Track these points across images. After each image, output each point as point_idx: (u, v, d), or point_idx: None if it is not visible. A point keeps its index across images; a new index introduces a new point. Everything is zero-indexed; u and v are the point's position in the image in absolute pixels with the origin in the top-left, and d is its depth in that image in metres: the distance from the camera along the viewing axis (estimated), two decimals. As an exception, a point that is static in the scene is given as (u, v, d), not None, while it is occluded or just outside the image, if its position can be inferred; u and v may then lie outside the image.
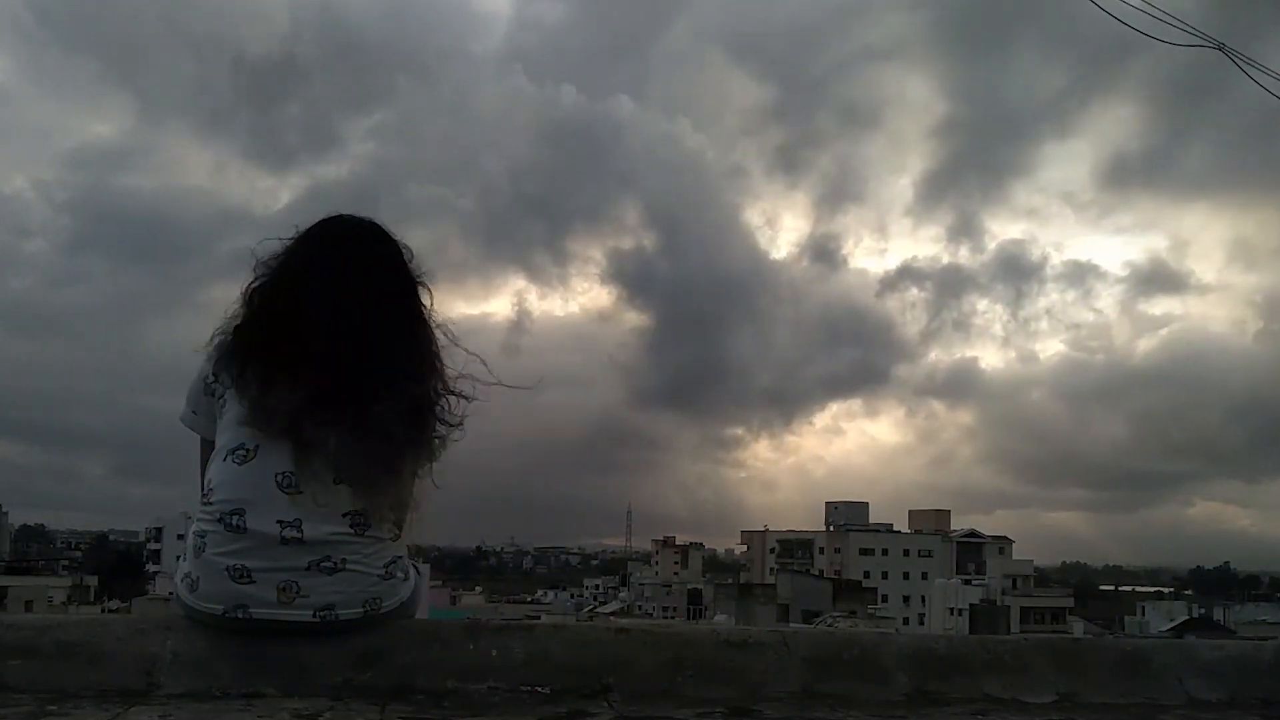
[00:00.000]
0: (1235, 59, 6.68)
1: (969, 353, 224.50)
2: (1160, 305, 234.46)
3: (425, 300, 2.39)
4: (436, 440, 2.34)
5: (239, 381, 2.24)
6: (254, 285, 2.31)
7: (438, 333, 2.37)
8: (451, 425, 2.34)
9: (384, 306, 2.31)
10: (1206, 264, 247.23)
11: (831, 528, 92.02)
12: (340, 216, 2.40)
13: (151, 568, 75.90)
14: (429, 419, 2.31)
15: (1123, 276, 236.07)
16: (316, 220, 2.39)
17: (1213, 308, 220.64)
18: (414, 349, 2.33)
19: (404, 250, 2.40)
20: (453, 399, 2.35)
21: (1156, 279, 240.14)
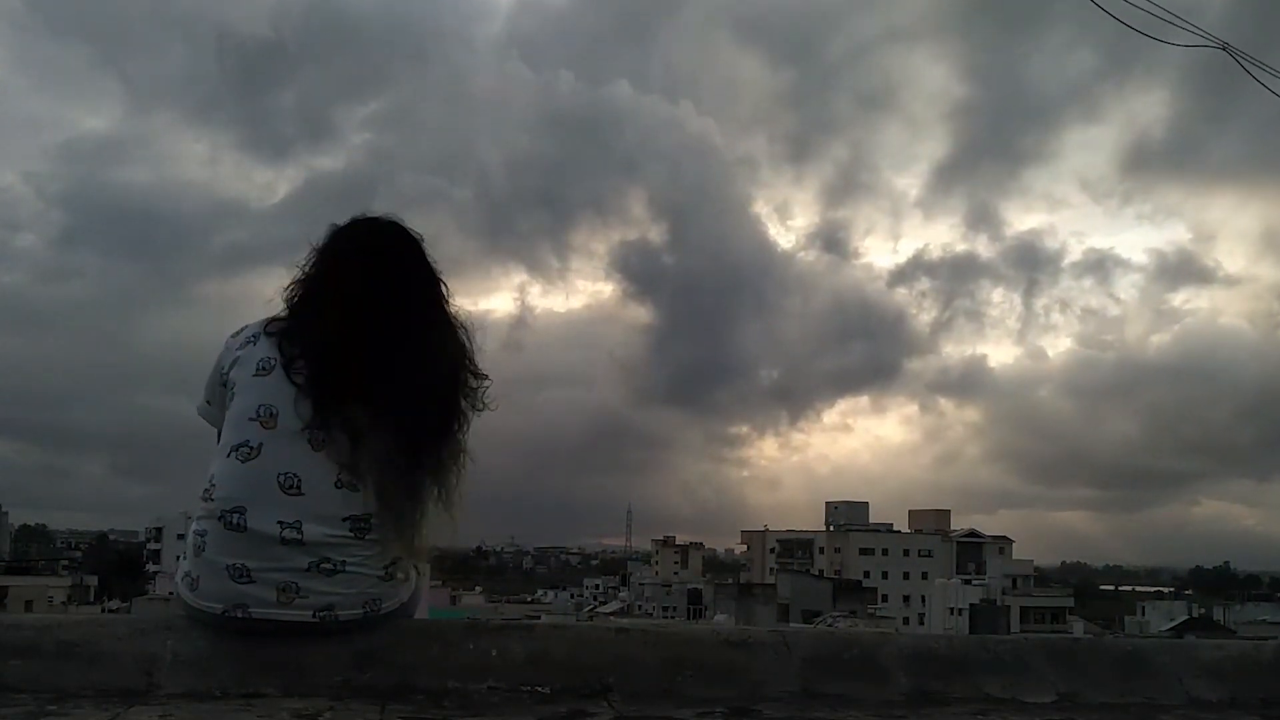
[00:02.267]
0: (1239, 59, 6.68)
1: (980, 348, 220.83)
2: (1184, 298, 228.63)
3: (446, 299, 2.39)
4: (455, 446, 2.34)
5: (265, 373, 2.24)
6: (293, 287, 2.33)
7: (461, 334, 2.38)
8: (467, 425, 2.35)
9: (409, 311, 2.31)
10: (1233, 255, 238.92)
11: (831, 527, 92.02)
12: (365, 220, 2.40)
13: (151, 567, 75.89)
14: (449, 426, 2.32)
15: (1145, 268, 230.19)
16: (346, 222, 2.39)
17: (1241, 301, 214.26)
18: (435, 352, 2.32)
19: (424, 248, 2.40)
20: (474, 401, 2.36)
21: (1181, 271, 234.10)
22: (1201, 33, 6.61)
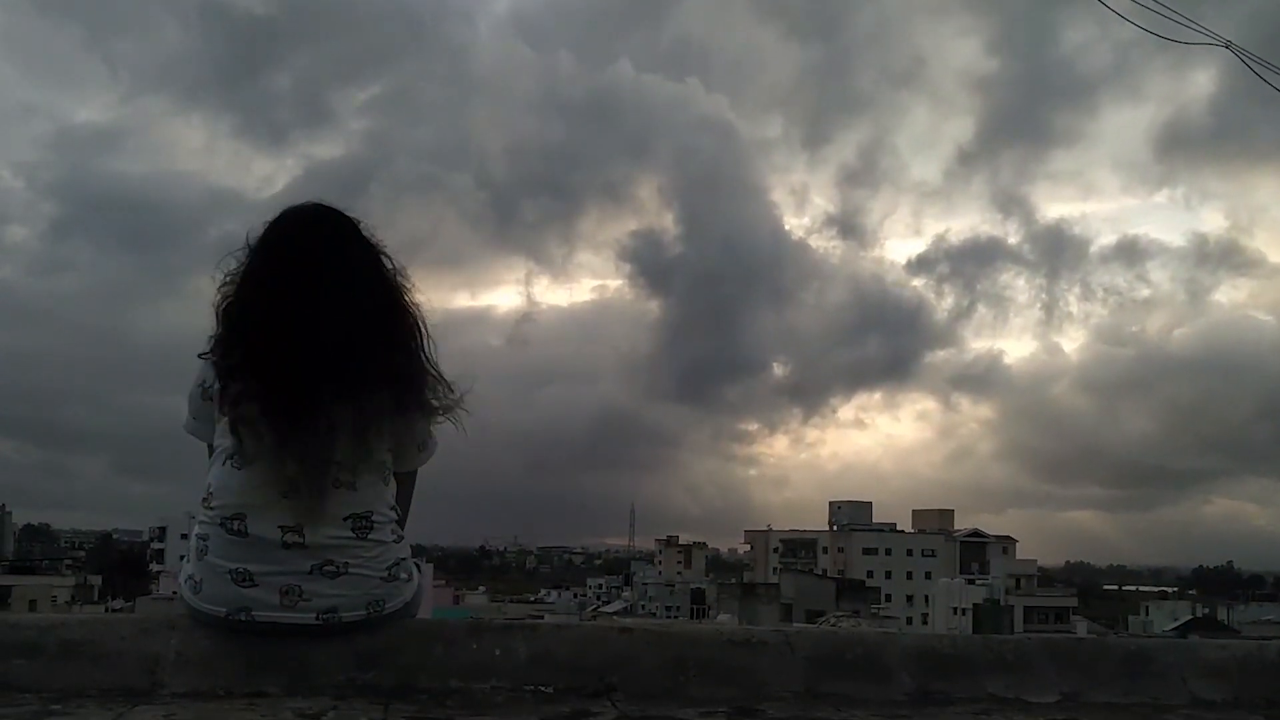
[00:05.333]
0: (1243, 57, 6.69)
1: (1000, 341, 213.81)
2: (1216, 289, 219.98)
3: (404, 285, 2.38)
4: (427, 429, 2.39)
5: (229, 397, 2.22)
6: (225, 299, 2.29)
7: (421, 316, 2.37)
8: (443, 412, 2.37)
9: (360, 300, 2.28)
10: (1272, 244, 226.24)
11: (835, 527, 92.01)
12: (296, 211, 2.37)
13: (155, 567, 75.95)
14: (417, 412, 2.34)
15: (1176, 256, 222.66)
16: (275, 217, 2.35)
17: (1276, 291, 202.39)
18: (396, 340, 2.31)
19: (370, 237, 2.38)
20: (441, 388, 2.36)
21: (1215, 260, 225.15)
22: (1204, 30, 6.63)
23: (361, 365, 2.23)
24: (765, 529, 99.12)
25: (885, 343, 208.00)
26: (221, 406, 2.23)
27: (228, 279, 2.30)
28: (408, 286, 2.38)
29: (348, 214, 2.38)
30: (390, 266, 2.37)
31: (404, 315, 2.35)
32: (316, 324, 2.21)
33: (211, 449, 2.33)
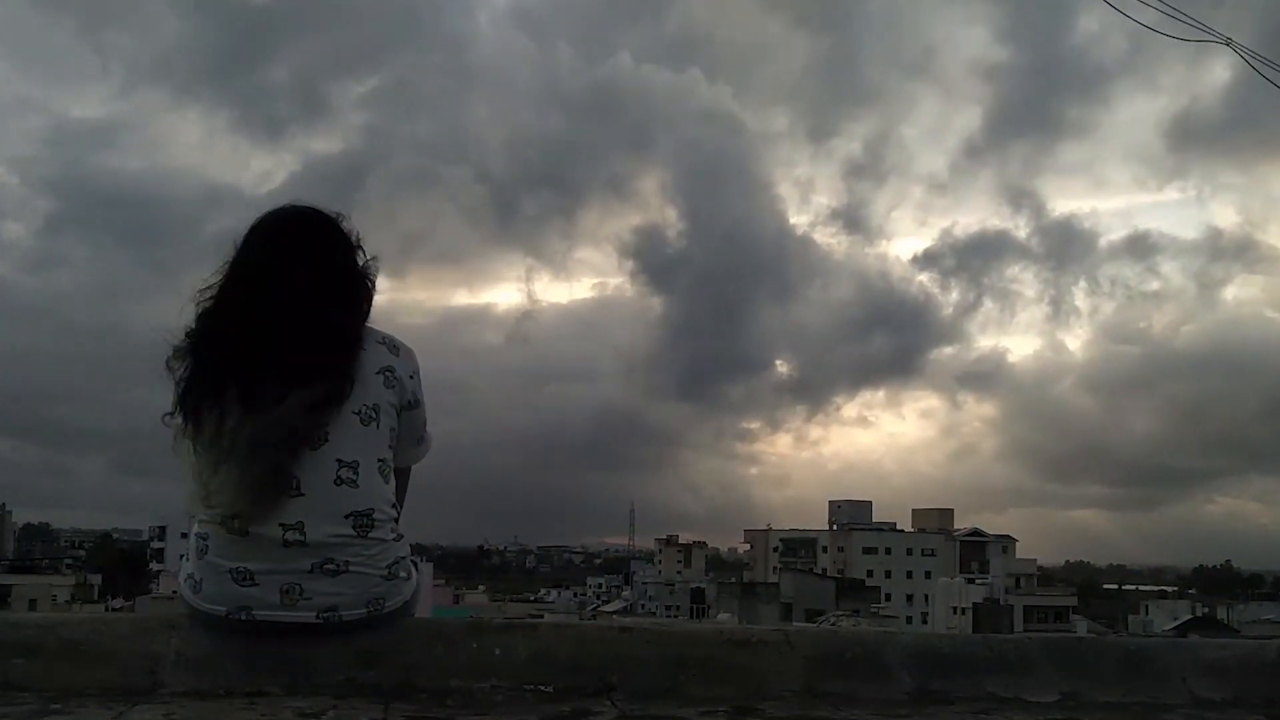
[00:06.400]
0: (1242, 54, 6.72)
1: (1005, 338, 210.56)
2: (1228, 284, 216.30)
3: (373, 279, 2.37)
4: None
5: (217, 399, 2.20)
6: (201, 308, 2.28)
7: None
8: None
9: (329, 295, 2.27)
10: None
11: (835, 526, 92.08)
12: (270, 214, 2.35)
13: (155, 566, 76.03)
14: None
15: (1187, 252, 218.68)
16: (251, 224, 2.34)
17: None
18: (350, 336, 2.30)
19: (350, 232, 2.36)
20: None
21: (1227, 254, 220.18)
22: (1204, 28, 6.67)
23: (345, 360, 2.23)
24: (765, 528, 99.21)
25: (890, 339, 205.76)
26: (210, 408, 2.22)
27: (204, 291, 2.29)
28: (373, 280, 2.38)
29: (326, 211, 2.37)
30: (363, 261, 2.36)
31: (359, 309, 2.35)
32: (294, 319, 2.21)
33: (208, 451, 2.33)
